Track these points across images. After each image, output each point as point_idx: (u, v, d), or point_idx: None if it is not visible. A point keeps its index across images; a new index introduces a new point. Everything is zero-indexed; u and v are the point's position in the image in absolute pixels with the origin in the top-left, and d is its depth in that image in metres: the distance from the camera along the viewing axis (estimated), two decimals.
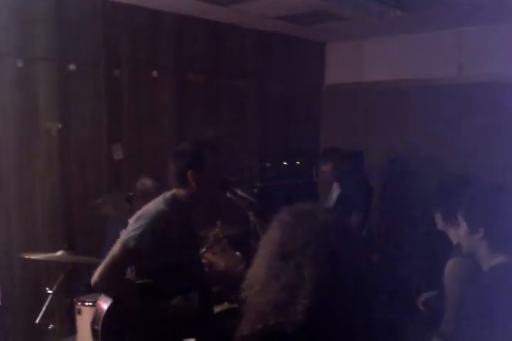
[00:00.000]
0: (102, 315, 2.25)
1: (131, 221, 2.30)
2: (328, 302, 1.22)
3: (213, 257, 3.44)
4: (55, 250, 3.26)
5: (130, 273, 2.30)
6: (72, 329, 3.42)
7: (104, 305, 2.31)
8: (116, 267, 2.18)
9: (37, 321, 3.19)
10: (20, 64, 3.66)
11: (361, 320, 1.24)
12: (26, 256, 3.18)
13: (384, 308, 1.37)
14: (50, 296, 3.24)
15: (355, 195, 4.47)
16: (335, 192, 4.75)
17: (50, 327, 3.30)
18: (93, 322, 2.31)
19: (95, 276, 2.17)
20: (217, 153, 2.41)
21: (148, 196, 3.67)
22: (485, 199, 1.88)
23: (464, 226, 1.89)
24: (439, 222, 2.49)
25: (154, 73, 4.46)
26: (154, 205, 2.32)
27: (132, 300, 2.25)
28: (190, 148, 2.36)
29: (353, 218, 4.48)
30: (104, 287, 2.22)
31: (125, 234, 2.22)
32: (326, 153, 4.89)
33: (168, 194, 2.38)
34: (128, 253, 2.17)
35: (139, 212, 2.31)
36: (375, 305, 1.31)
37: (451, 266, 2.31)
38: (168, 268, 2.25)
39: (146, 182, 3.87)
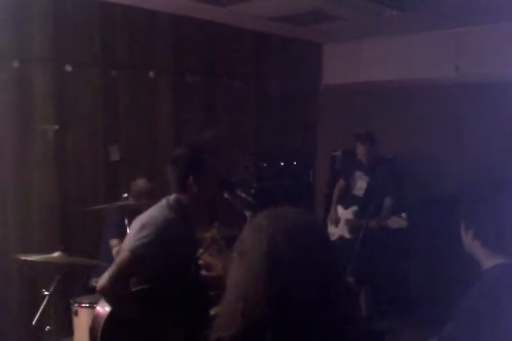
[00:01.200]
0: (102, 322, 2.24)
1: (135, 226, 2.27)
2: (285, 301, 1.21)
3: (210, 258, 3.44)
4: (52, 251, 3.25)
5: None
6: (69, 331, 3.41)
7: (103, 311, 2.30)
8: (124, 274, 2.17)
9: (33, 323, 3.18)
10: (16, 64, 3.66)
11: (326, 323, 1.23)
12: (23, 258, 3.16)
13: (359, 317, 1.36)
14: (46, 298, 3.22)
15: (389, 181, 4.48)
16: (361, 180, 4.77)
17: (47, 328, 3.28)
18: (92, 329, 2.30)
19: (102, 282, 2.15)
20: (215, 155, 2.40)
21: (142, 196, 3.69)
22: (474, 198, 1.88)
23: (462, 226, 1.89)
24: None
25: (151, 74, 4.46)
26: (161, 212, 2.29)
27: (131, 308, 2.23)
28: (188, 153, 2.35)
29: (386, 204, 4.54)
30: (110, 293, 2.20)
31: (132, 241, 2.19)
32: (357, 136, 4.87)
33: (171, 199, 2.35)
34: (136, 261, 2.16)
35: (144, 218, 2.28)
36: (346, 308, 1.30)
37: None
38: (171, 273, 2.24)
39: (140, 182, 3.88)
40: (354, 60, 5.85)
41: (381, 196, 4.47)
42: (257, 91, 5.43)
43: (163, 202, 2.35)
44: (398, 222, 4.13)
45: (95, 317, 2.34)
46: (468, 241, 1.85)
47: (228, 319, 1.25)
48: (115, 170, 4.25)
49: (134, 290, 2.22)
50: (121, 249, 2.25)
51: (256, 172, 5.23)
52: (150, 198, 3.44)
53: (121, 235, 3.48)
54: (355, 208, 4.70)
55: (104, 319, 2.24)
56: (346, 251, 4.08)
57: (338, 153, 5.67)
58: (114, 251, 3.63)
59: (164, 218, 2.24)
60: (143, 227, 2.22)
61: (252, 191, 5.02)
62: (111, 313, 2.24)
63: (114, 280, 2.14)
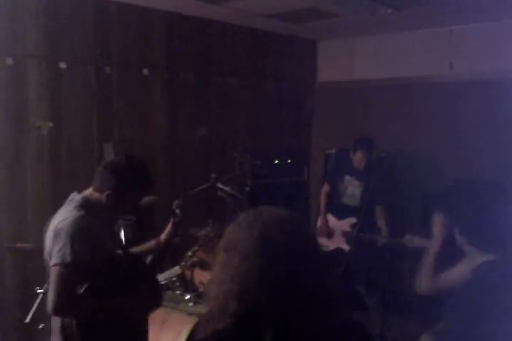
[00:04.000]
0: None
1: (49, 236, 2.21)
2: (269, 297, 1.23)
3: (205, 256, 3.45)
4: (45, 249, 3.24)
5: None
6: None
7: None
8: (66, 287, 2.09)
9: (27, 320, 3.17)
10: (10, 62, 3.64)
11: (299, 322, 1.24)
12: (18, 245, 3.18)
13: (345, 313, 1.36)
14: (40, 295, 3.22)
15: (385, 187, 4.32)
16: (352, 186, 4.57)
17: (41, 326, 3.28)
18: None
19: (51, 305, 2.08)
20: (145, 173, 2.34)
21: None
22: (458, 197, 1.89)
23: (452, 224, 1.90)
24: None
25: (145, 71, 4.45)
26: (67, 213, 2.22)
27: (94, 312, 2.19)
28: (123, 168, 2.29)
29: (378, 211, 4.40)
30: (64, 311, 2.15)
31: (54, 256, 2.12)
32: (358, 142, 4.59)
33: (77, 197, 2.31)
34: (70, 269, 2.09)
35: (56, 227, 2.20)
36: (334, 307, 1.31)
37: None
38: (103, 266, 2.19)
39: None
40: (349, 57, 5.86)
41: (375, 205, 4.36)
42: (251, 88, 5.43)
43: (69, 202, 2.30)
44: (417, 241, 3.78)
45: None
46: (458, 238, 1.86)
47: (221, 312, 1.26)
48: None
49: (81, 291, 2.15)
50: (49, 267, 2.17)
51: (250, 169, 5.23)
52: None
53: None
54: (352, 220, 4.44)
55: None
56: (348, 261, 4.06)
57: (333, 150, 5.67)
58: None
59: (73, 218, 2.18)
60: (56, 235, 2.16)
61: (247, 189, 5.02)
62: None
63: (60, 298, 2.07)
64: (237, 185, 4.52)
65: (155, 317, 2.57)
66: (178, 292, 3.42)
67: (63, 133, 3.96)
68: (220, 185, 3.60)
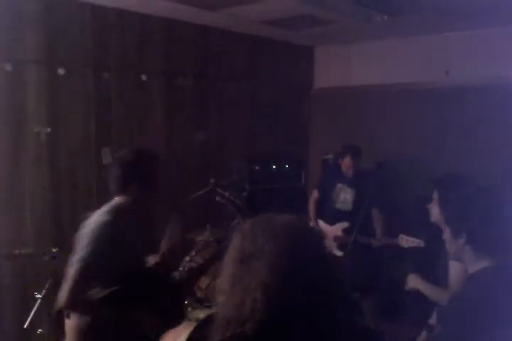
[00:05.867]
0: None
1: (82, 234, 2.27)
2: (284, 305, 1.24)
3: (203, 261, 3.45)
4: (44, 254, 3.25)
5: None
6: (61, 334, 3.41)
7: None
8: (79, 286, 2.16)
9: (25, 326, 3.18)
10: (8, 67, 3.66)
11: (326, 325, 1.25)
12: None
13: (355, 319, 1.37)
14: (38, 300, 3.23)
15: (375, 192, 4.42)
16: (344, 193, 4.67)
17: (39, 331, 3.28)
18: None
19: (62, 299, 2.15)
20: (158, 161, 2.42)
21: None
22: (466, 203, 1.87)
23: (447, 231, 1.88)
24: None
25: (143, 77, 4.47)
26: (96, 217, 2.29)
27: (102, 314, 2.25)
28: (132, 158, 2.37)
29: (375, 217, 4.49)
30: (72, 308, 2.23)
31: (77, 254, 2.20)
32: (346, 148, 4.73)
33: (110, 204, 2.36)
34: (85, 271, 2.16)
35: (85, 228, 2.27)
36: (345, 313, 1.32)
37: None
38: (126, 273, 2.24)
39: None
40: (345, 63, 5.90)
41: (370, 209, 4.41)
42: (248, 94, 5.46)
43: (103, 207, 2.35)
44: (412, 241, 3.85)
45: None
46: (458, 245, 1.84)
47: (244, 319, 1.26)
48: (108, 173, 4.24)
49: (98, 296, 2.20)
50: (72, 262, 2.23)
51: (248, 175, 5.24)
52: None
53: None
54: (345, 224, 4.54)
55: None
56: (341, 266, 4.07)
57: (330, 156, 5.69)
58: None
59: (100, 223, 2.24)
60: (84, 236, 2.24)
61: (244, 194, 5.04)
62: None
63: (72, 294, 2.14)
64: (234, 191, 4.54)
65: None
66: None
67: (61, 138, 3.97)
68: (218, 190, 3.62)
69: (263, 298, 1.23)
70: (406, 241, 3.87)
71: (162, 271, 2.47)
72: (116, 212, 2.30)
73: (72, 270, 2.19)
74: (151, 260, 2.58)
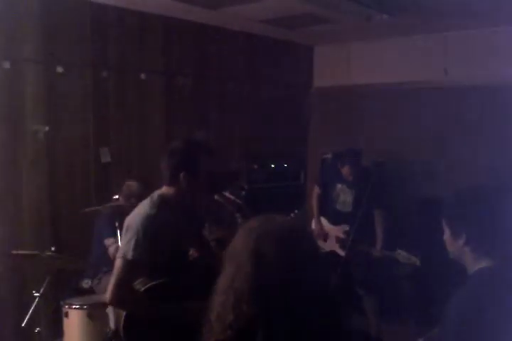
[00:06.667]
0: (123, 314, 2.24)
1: (124, 229, 2.28)
2: (271, 306, 1.22)
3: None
4: (42, 252, 3.25)
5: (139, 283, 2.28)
6: (59, 333, 3.41)
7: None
8: (123, 281, 2.17)
9: (24, 324, 3.17)
10: (7, 66, 3.65)
11: (313, 325, 1.24)
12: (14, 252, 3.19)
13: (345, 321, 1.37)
14: (37, 299, 3.22)
15: (375, 192, 4.34)
16: (344, 194, 4.63)
17: (37, 330, 3.28)
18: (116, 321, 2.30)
19: (108, 295, 2.17)
20: (211, 155, 2.39)
21: (133, 198, 3.69)
22: (466, 204, 1.87)
23: (447, 232, 1.88)
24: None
25: (142, 76, 4.46)
26: (141, 210, 2.29)
27: (146, 310, 2.24)
28: (185, 149, 2.33)
29: (377, 216, 4.45)
30: (118, 303, 2.22)
31: (122, 247, 2.22)
32: (345, 156, 4.63)
33: (155, 195, 2.34)
34: (130, 266, 2.17)
35: (128, 219, 2.29)
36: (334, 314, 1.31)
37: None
38: (170, 266, 2.24)
39: (132, 184, 3.88)
40: (345, 62, 5.89)
41: (370, 210, 4.40)
42: (248, 93, 5.45)
43: (148, 199, 2.34)
44: (408, 258, 3.92)
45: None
46: (457, 246, 1.83)
47: (219, 323, 1.26)
48: (106, 172, 4.24)
49: (142, 289, 2.23)
50: (117, 257, 2.25)
51: (247, 174, 5.24)
52: (140, 200, 3.45)
53: (115, 234, 3.49)
54: (346, 227, 4.49)
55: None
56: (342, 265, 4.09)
57: (329, 155, 5.68)
58: (111, 250, 3.62)
59: (144, 216, 2.24)
60: (127, 230, 2.24)
61: (243, 193, 5.03)
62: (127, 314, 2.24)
63: (117, 289, 2.15)
64: (233, 189, 4.53)
65: None
66: None
67: (59, 137, 3.96)
68: None
69: (231, 300, 1.22)
70: (402, 257, 3.94)
71: (208, 261, 2.45)
72: (160, 204, 2.28)
73: (116, 264, 2.20)
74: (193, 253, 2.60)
